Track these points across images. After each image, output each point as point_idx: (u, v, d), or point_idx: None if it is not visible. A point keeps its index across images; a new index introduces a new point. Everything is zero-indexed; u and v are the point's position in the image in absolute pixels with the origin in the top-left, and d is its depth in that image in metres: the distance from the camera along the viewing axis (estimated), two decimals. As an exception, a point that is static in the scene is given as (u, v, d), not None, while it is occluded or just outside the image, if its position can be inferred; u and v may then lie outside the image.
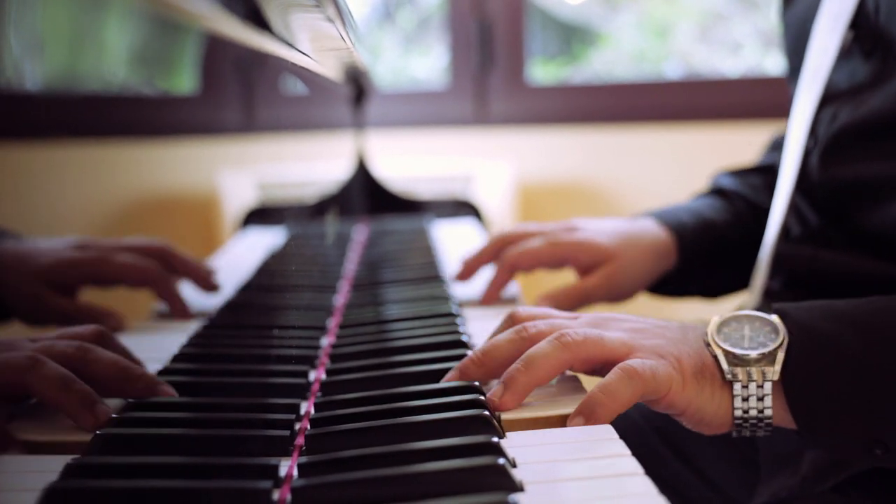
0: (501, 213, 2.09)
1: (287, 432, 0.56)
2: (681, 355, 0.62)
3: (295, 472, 0.51)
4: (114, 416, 0.58)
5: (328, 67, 1.00)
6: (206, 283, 0.95)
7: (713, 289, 1.08)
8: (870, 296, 0.68)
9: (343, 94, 1.43)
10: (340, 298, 0.95)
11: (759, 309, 0.66)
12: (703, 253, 1.01)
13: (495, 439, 0.51)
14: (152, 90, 2.54)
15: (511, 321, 0.67)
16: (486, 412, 0.56)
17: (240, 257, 1.18)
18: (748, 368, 0.62)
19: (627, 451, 0.52)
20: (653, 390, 0.59)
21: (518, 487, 0.48)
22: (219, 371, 0.72)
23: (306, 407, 0.62)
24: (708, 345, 0.63)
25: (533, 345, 0.61)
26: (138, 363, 0.66)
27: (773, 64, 2.42)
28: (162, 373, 0.69)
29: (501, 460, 0.48)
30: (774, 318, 0.64)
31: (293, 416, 0.58)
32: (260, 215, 1.52)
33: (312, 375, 0.70)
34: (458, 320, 0.80)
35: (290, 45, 0.69)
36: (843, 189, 0.85)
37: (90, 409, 0.58)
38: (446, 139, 2.30)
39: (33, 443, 0.57)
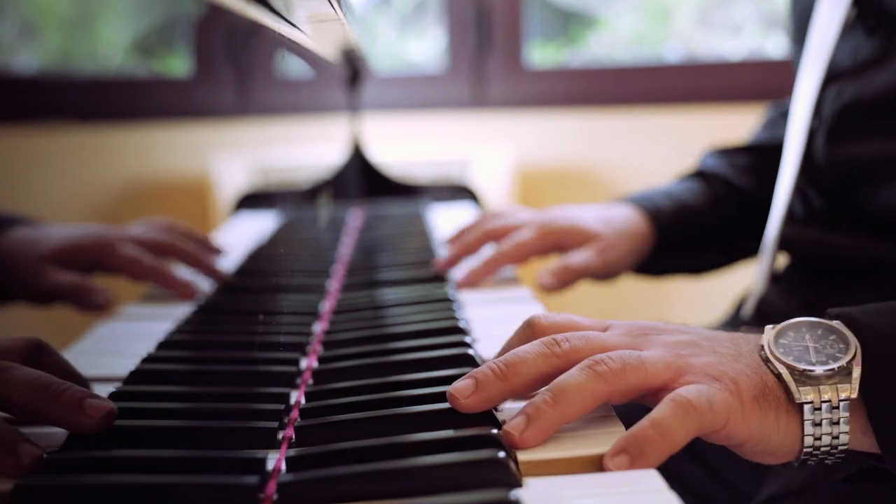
0: (499, 196, 2.06)
1: (275, 423, 0.53)
2: (738, 376, 0.52)
3: (283, 466, 0.48)
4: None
5: (323, 45, 0.98)
6: (213, 276, 0.95)
7: (695, 268, 1.10)
8: (877, 278, 0.64)
9: (339, 76, 1.40)
10: (334, 283, 0.92)
11: (785, 304, 0.59)
12: (681, 236, 1.03)
13: (502, 454, 0.45)
14: (146, 73, 2.50)
15: (531, 330, 0.58)
16: (502, 454, 0.46)
17: (232, 242, 1.16)
18: (819, 387, 0.52)
19: None
20: (710, 423, 0.50)
21: (519, 483, 0.45)
22: (205, 359, 0.69)
23: (296, 397, 0.60)
24: (766, 360, 0.54)
25: (567, 363, 0.53)
26: (80, 379, 0.59)
27: (774, 46, 2.39)
28: (146, 360, 0.66)
29: (502, 453, 0.46)
30: (838, 324, 0.55)
31: (282, 407, 0.55)
32: (253, 200, 1.50)
33: (304, 363, 0.67)
34: (454, 305, 0.78)
35: (286, 20, 0.67)
36: (849, 169, 0.84)
37: (10, 451, 0.48)
38: (443, 123, 2.27)
39: None
